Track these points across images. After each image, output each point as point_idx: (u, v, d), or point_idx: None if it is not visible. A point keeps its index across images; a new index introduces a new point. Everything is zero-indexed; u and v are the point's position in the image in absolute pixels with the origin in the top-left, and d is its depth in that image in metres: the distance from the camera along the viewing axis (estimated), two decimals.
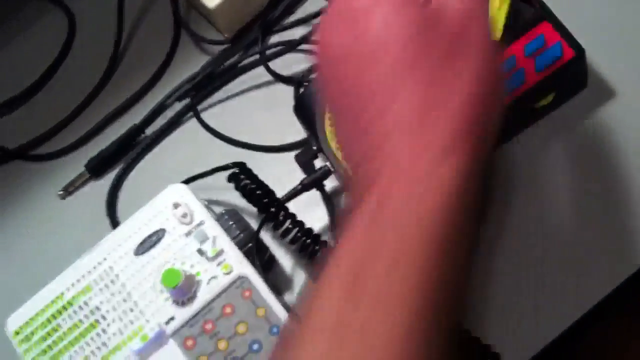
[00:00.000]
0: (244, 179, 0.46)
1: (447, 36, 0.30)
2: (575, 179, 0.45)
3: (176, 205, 0.45)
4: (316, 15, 0.55)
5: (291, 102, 0.53)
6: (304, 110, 0.46)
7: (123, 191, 0.55)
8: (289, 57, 0.55)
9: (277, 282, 0.47)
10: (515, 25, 0.44)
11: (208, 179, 0.50)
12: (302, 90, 0.49)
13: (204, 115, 0.56)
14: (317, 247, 0.44)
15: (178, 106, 0.56)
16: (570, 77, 0.45)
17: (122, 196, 0.55)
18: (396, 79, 0.29)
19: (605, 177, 0.45)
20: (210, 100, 0.56)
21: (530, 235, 0.44)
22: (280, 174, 0.51)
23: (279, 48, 0.55)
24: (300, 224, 0.44)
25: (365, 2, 0.31)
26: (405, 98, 0.29)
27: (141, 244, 0.44)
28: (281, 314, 0.41)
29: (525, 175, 0.46)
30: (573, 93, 0.46)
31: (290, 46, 0.55)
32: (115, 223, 0.53)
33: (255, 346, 0.41)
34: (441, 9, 0.30)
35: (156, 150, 0.56)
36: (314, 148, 0.46)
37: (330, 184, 0.48)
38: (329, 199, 0.46)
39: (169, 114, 0.56)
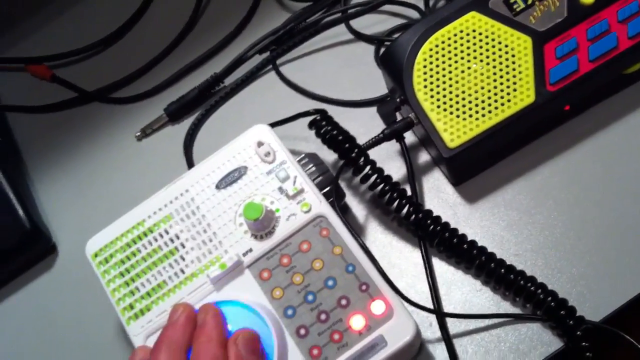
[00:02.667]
0: (325, 126, 0.46)
1: None
2: None
3: (260, 144, 0.46)
4: None
5: (370, 61, 0.54)
6: (392, 62, 0.47)
7: (199, 137, 0.56)
8: (370, 17, 0.56)
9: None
10: None
11: (287, 129, 0.50)
12: (389, 42, 0.50)
13: (283, 70, 0.57)
14: (395, 195, 0.45)
15: (258, 59, 0.57)
16: None
17: (197, 141, 0.56)
18: None
19: None
20: (289, 55, 0.57)
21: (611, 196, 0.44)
22: (356, 128, 0.51)
23: (360, 8, 0.56)
24: (380, 170, 0.45)
25: None
26: None
27: (223, 178, 0.46)
28: (358, 253, 0.42)
29: (610, 140, 0.46)
30: None
31: (372, 6, 0.55)
32: (191, 165, 0.54)
33: (330, 282, 0.42)
34: None
35: (234, 100, 0.57)
36: (398, 100, 0.46)
37: (409, 137, 0.49)
38: (408, 152, 0.47)
39: (249, 66, 0.57)
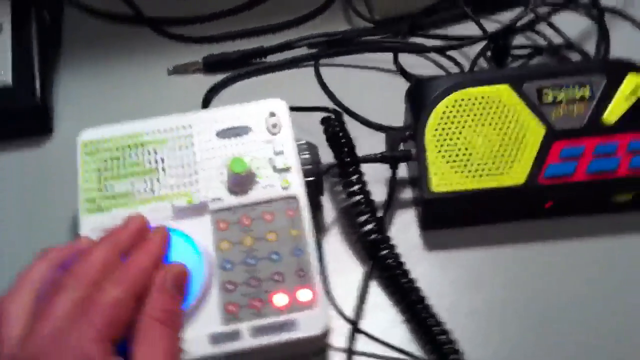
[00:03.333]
0: (335, 125, 0.49)
1: None
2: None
3: (271, 114, 0.49)
4: (452, 39, 0.59)
5: (400, 95, 0.57)
6: (417, 97, 0.50)
7: (221, 94, 0.59)
8: (417, 58, 0.59)
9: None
10: (633, 120, 0.47)
11: (301, 118, 0.53)
12: (422, 80, 0.52)
13: (322, 69, 0.60)
14: (366, 209, 0.47)
15: (305, 51, 0.60)
16: None
17: (218, 98, 0.59)
18: None
19: None
20: (333, 60, 0.60)
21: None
22: (361, 144, 0.54)
23: (411, 47, 0.59)
24: (364, 183, 0.47)
25: None
26: None
27: (226, 129, 0.48)
28: (310, 243, 0.44)
29: (575, 253, 0.48)
30: None
31: (420, 49, 0.59)
32: None
33: (275, 257, 0.43)
34: None
35: (267, 77, 0.60)
36: (407, 133, 0.49)
37: (401, 174, 0.51)
38: (394, 182, 0.49)
39: (294, 53, 0.60)
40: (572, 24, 0.61)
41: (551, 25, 0.61)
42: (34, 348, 0.34)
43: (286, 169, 0.47)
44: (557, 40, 0.60)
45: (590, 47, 0.59)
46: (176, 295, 0.40)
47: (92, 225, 0.45)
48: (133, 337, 0.37)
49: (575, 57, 0.59)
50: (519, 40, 0.60)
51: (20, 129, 0.57)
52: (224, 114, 0.49)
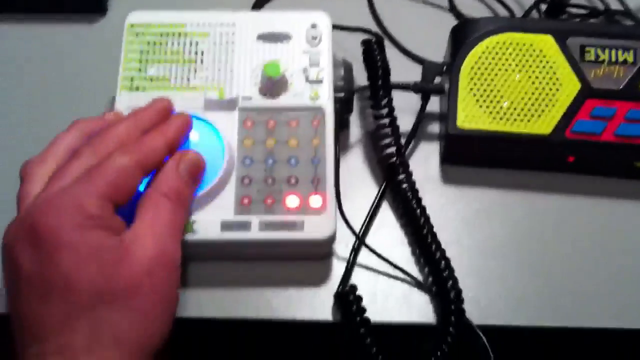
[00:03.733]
0: (374, 49, 0.49)
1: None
2: None
3: (314, 26, 0.49)
4: None
5: (446, 34, 0.57)
6: (460, 34, 0.50)
7: (273, 2, 0.60)
8: (470, 1, 0.59)
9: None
10: None
11: (344, 39, 0.54)
12: (468, 19, 0.52)
13: None
14: (391, 132, 0.48)
15: None
16: None
17: (269, 5, 0.60)
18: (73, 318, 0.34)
19: None
20: None
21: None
22: (396, 72, 0.54)
23: None
24: (392, 109, 0.48)
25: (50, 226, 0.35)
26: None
27: (268, 34, 0.49)
28: (329, 154, 0.45)
29: (588, 210, 0.49)
30: None
31: None
32: None
33: (292, 161, 0.45)
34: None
35: None
36: (444, 67, 0.50)
37: (431, 108, 0.52)
38: (423, 113, 0.50)
39: None
40: None
41: None
42: (40, 201, 0.37)
43: (318, 81, 0.48)
44: (616, 6, 0.59)
45: None
46: (187, 179, 0.41)
47: (126, 103, 0.47)
48: (139, 207, 0.39)
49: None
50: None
51: (76, 5, 0.58)
52: (267, 17, 0.50)
